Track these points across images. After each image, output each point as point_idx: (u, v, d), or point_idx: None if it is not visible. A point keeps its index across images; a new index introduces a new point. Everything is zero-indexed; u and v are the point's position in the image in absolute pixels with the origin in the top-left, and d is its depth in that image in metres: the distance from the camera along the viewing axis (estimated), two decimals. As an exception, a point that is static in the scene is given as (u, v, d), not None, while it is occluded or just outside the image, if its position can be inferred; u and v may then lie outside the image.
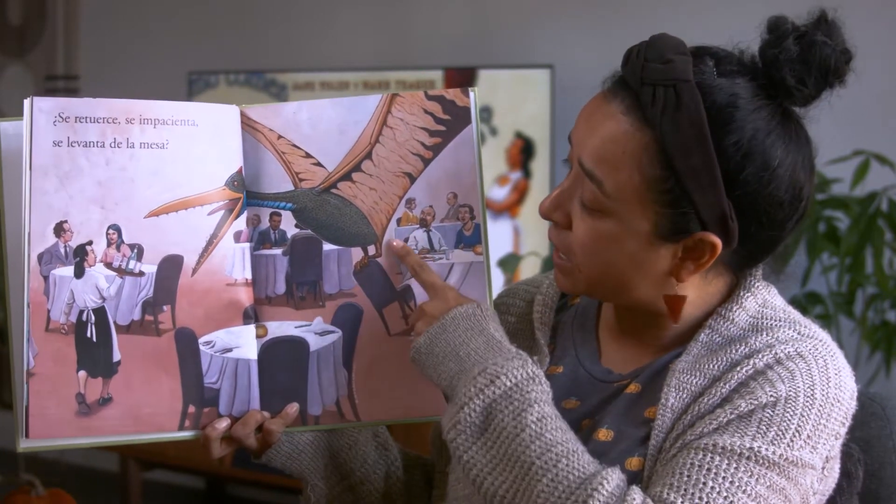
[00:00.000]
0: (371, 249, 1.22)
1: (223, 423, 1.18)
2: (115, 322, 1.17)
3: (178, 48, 4.07)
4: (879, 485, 1.21)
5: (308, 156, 1.21)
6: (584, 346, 1.26)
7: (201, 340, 1.18)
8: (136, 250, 1.17)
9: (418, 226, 1.21)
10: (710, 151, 1.08)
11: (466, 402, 1.08)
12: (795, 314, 1.20)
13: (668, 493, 1.03)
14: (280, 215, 1.21)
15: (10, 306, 1.16)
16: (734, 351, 1.14)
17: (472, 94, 1.21)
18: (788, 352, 1.12)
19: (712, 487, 1.02)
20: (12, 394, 1.15)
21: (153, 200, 1.17)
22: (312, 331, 1.21)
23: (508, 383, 1.08)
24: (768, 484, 1.04)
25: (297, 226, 1.21)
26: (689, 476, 1.03)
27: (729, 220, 1.10)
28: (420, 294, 1.21)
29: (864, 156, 2.73)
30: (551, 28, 3.45)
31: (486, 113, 3.35)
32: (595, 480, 1.02)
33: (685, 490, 1.02)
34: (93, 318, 1.16)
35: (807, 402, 1.08)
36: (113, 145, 1.16)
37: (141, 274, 1.17)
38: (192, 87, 3.75)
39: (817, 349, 1.13)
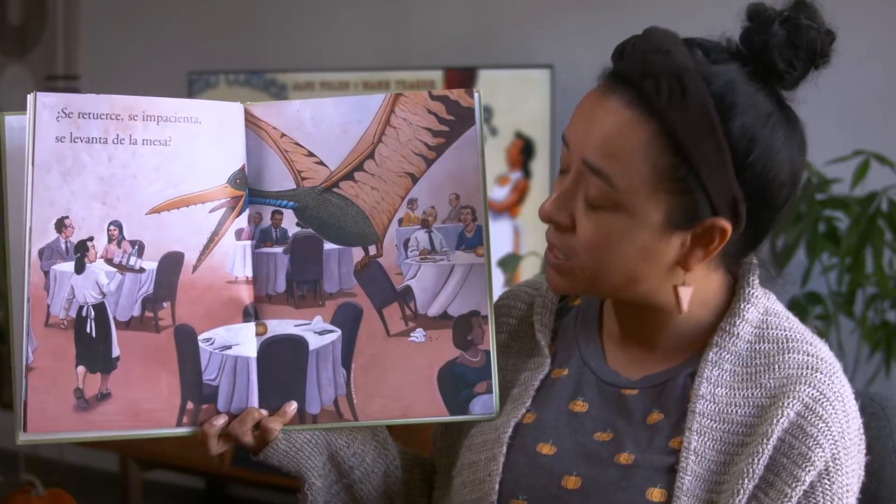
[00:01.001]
0: (372, 249, 1.21)
1: (221, 420, 1.18)
2: (114, 318, 1.17)
3: (178, 48, 4.07)
4: (879, 485, 1.21)
5: (310, 154, 1.21)
6: (588, 347, 1.25)
7: (201, 337, 1.18)
8: (136, 247, 1.17)
9: (420, 226, 1.21)
10: (720, 136, 1.08)
11: None
12: (796, 324, 1.21)
13: None
14: (282, 213, 1.21)
15: (12, 301, 1.16)
16: (750, 389, 1.15)
17: (476, 95, 1.21)
18: (813, 395, 1.13)
19: None
20: (13, 388, 1.15)
21: (155, 197, 1.17)
22: (312, 330, 1.21)
23: None
24: None
25: (298, 224, 1.21)
26: None
27: (739, 204, 1.11)
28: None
29: (864, 156, 2.72)
30: (551, 28, 3.45)
31: (487, 113, 3.35)
32: None
33: None
34: (92, 313, 1.16)
35: (846, 454, 1.13)
36: (115, 142, 1.16)
37: (141, 270, 1.17)
38: (192, 87, 3.75)
39: (833, 382, 1.15)
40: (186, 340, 1.18)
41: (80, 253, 1.16)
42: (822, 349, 1.18)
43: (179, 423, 1.18)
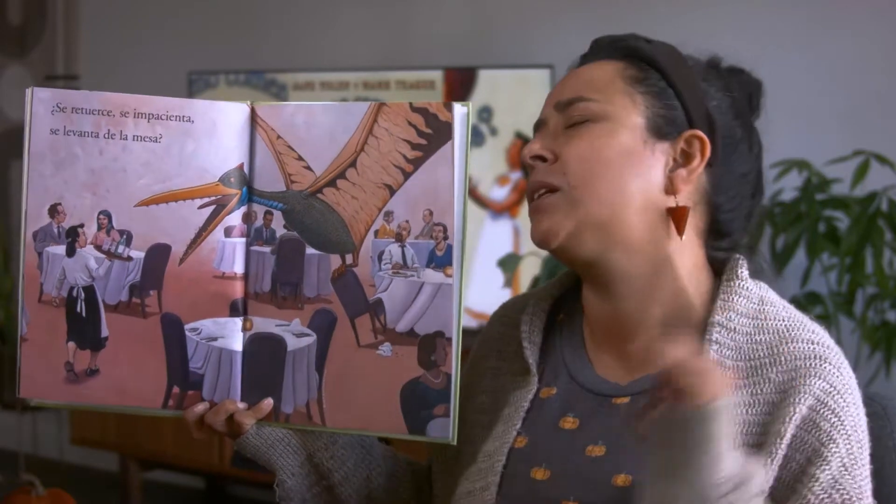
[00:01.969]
0: (349, 258, 1.20)
1: (200, 407, 1.21)
2: (103, 301, 1.23)
3: (178, 48, 4.08)
4: (880, 484, 1.21)
5: (300, 158, 1.21)
6: (574, 359, 1.24)
7: (188, 327, 1.22)
8: (125, 236, 1.22)
9: (394, 240, 1.18)
10: (697, 79, 1.20)
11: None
12: (794, 312, 1.20)
13: None
14: (272, 214, 1.22)
15: (19, 276, 1.25)
16: (759, 385, 1.13)
17: (457, 110, 1.15)
18: (824, 388, 1.12)
19: None
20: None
21: (144, 190, 1.21)
22: (290, 331, 1.22)
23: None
24: None
25: (285, 226, 1.21)
26: None
27: (715, 121, 1.18)
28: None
29: (864, 156, 2.72)
30: (551, 28, 3.45)
31: (486, 113, 3.35)
32: None
33: None
34: (83, 294, 1.23)
35: (859, 447, 1.13)
36: (107, 136, 1.21)
37: (129, 258, 1.22)
38: (192, 87, 3.75)
39: (841, 373, 1.15)
40: (172, 328, 1.22)
41: (72, 238, 1.22)
42: (824, 336, 1.17)
43: (165, 406, 1.23)
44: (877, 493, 1.18)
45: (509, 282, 3.14)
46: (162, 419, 1.66)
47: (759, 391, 1.13)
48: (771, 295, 1.21)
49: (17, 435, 4.03)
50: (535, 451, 1.19)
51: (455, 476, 1.25)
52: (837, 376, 1.13)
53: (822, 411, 1.11)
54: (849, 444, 1.11)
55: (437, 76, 3.43)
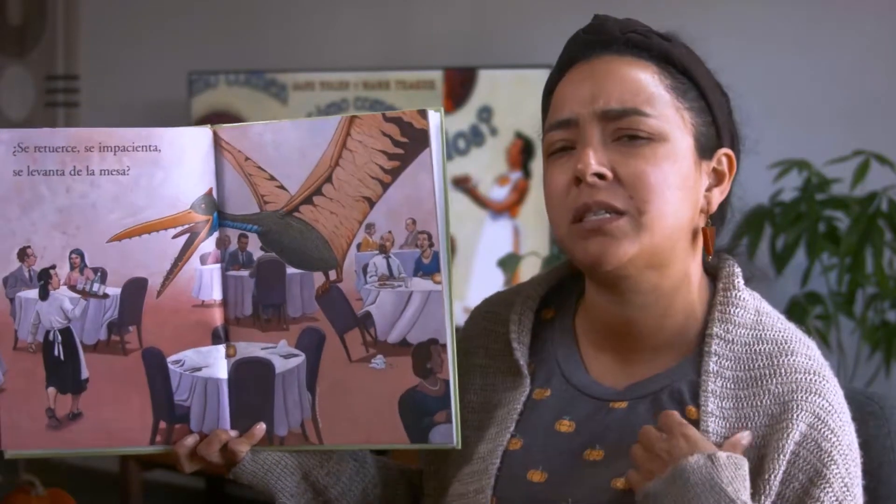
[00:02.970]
0: (332, 274, 1.20)
1: (190, 440, 1.20)
2: (81, 342, 1.21)
3: (178, 48, 4.08)
4: (878, 484, 1.21)
5: (272, 178, 1.20)
6: (568, 362, 1.23)
7: (170, 359, 1.20)
8: (99, 273, 1.20)
9: (378, 252, 1.18)
10: (713, 78, 1.20)
11: None
12: (788, 324, 1.20)
13: None
14: (247, 237, 1.21)
15: None
16: (759, 397, 1.13)
17: (431, 116, 1.15)
18: (823, 405, 1.12)
19: None
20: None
21: (115, 225, 1.19)
22: (277, 353, 1.21)
23: None
24: None
25: (262, 248, 1.21)
26: None
27: (737, 130, 1.19)
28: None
29: (864, 156, 2.72)
30: (551, 28, 3.45)
31: (486, 113, 3.35)
32: None
33: None
34: (59, 337, 1.20)
35: (854, 464, 1.14)
36: (73, 173, 1.18)
37: (105, 296, 1.20)
38: (192, 87, 3.75)
39: (836, 391, 1.15)
40: (154, 362, 1.20)
41: (44, 280, 1.20)
42: (816, 351, 1.18)
43: (153, 442, 1.21)
44: (875, 493, 1.19)
45: (509, 282, 3.14)
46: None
47: (759, 403, 1.13)
48: (765, 305, 1.21)
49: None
50: (530, 453, 1.18)
51: (447, 475, 1.25)
52: (834, 394, 1.14)
53: (822, 430, 1.11)
54: (846, 463, 1.12)
55: (437, 76, 3.43)
